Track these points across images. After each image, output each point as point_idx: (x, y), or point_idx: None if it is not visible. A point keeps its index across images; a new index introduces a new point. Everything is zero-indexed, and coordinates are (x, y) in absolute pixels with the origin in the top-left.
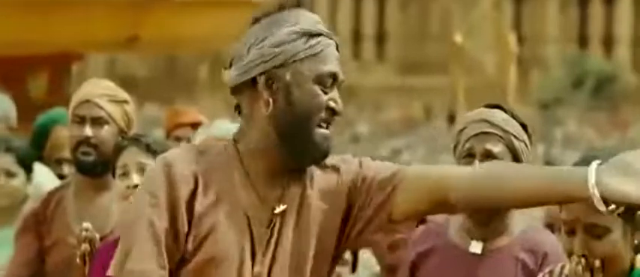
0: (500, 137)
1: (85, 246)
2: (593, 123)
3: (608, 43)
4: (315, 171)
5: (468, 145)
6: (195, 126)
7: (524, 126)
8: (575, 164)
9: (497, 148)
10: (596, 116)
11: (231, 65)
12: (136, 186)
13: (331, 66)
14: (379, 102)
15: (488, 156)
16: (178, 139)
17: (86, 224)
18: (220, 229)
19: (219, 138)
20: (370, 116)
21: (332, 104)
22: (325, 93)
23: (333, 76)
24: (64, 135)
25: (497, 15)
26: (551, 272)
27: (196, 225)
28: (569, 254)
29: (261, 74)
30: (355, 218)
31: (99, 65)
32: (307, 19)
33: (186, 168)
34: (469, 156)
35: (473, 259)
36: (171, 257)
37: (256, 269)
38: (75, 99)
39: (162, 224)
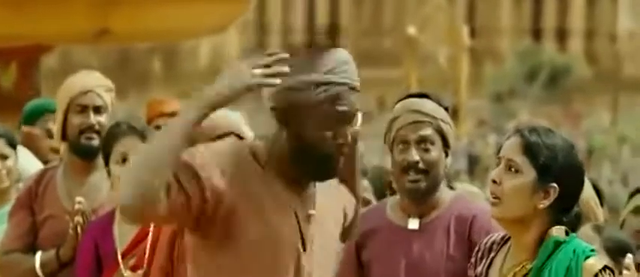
0: (430, 123)
1: (78, 218)
2: (546, 115)
3: (562, 35)
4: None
5: (402, 132)
6: (174, 115)
7: (447, 109)
8: (508, 136)
9: (428, 132)
10: (549, 108)
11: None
12: None
13: (340, 107)
14: None
15: (422, 141)
16: (158, 128)
17: (79, 198)
18: (272, 221)
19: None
20: None
21: (340, 141)
22: (336, 132)
23: (343, 115)
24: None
25: (451, 7)
26: (493, 242)
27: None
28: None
29: (273, 108)
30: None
31: (54, 56)
32: (321, 67)
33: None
34: (404, 143)
35: (411, 235)
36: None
37: (302, 261)
38: (72, 89)
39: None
